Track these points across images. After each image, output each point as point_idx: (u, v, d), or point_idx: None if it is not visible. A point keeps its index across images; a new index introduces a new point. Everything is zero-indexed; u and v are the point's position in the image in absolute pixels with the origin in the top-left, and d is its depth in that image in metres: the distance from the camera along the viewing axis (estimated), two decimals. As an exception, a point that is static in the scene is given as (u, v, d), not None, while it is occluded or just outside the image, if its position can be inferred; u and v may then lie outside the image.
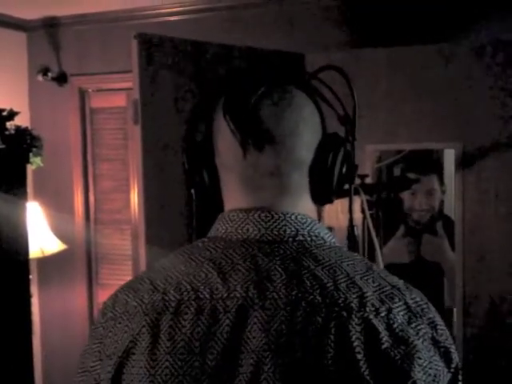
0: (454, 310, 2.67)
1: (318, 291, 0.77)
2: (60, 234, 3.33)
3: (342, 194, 0.93)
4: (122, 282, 0.89)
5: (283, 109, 0.84)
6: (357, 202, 1.99)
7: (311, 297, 0.76)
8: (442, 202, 2.94)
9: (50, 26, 3.53)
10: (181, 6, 3.20)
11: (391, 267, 2.59)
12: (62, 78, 3.54)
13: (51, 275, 3.61)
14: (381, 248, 1.85)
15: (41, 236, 3.20)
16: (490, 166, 2.56)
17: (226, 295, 0.78)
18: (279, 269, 0.79)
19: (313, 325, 0.75)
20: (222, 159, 0.88)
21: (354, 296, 0.77)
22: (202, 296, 0.79)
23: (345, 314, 0.75)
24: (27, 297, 2.80)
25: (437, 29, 2.75)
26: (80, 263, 3.59)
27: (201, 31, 3.06)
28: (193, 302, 0.79)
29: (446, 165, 3.09)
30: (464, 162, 2.60)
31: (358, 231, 1.46)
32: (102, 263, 3.62)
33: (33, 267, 3.26)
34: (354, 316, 0.75)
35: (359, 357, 0.73)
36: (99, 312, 0.87)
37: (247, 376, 0.74)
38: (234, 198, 0.87)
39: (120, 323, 0.82)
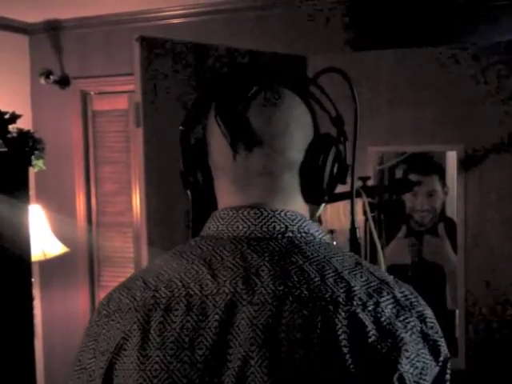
0: (457, 311, 2.66)
1: (305, 286, 0.78)
2: (62, 237, 3.33)
3: (343, 196, 0.93)
4: (125, 285, 0.91)
5: (273, 109, 0.85)
6: (359, 205, 1.99)
7: (298, 291, 0.77)
8: (443, 204, 2.94)
9: (52, 29, 3.54)
10: (183, 9, 3.20)
11: (393, 268, 2.59)
12: (64, 81, 3.55)
13: (53, 278, 3.62)
14: (383, 249, 1.85)
15: (43, 239, 3.20)
16: (491, 168, 2.56)
17: (215, 291, 0.80)
18: (267, 264, 0.80)
19: (299, 319, 0.76)
20: (214, 159, 0.89)
21: (342, 290, 0.77)
22: (192, 292, 0.80)
23: (331, 307, 0.76)
24: (29, 299, 2.80)
25: (438, 31, 2.75)
26: (82, 266, 3.60)
27: (203, 34, 3.06)
28: (183, 299, 0.80)
29: (448, 167, 3.09)
30: (466, 164, 2.60)
31: (360, 233, 1.46)
32: (104, 266, 3.62)
33: (35, 270, 3.26)
34: (340, 310, 0.76)
35: (345, 350, 0.74)
36: (95, 311, 0.89)
37: (235, 370, 0.75)
38: (226, 197, 0.89)
39: (113, 320, 0.84)
